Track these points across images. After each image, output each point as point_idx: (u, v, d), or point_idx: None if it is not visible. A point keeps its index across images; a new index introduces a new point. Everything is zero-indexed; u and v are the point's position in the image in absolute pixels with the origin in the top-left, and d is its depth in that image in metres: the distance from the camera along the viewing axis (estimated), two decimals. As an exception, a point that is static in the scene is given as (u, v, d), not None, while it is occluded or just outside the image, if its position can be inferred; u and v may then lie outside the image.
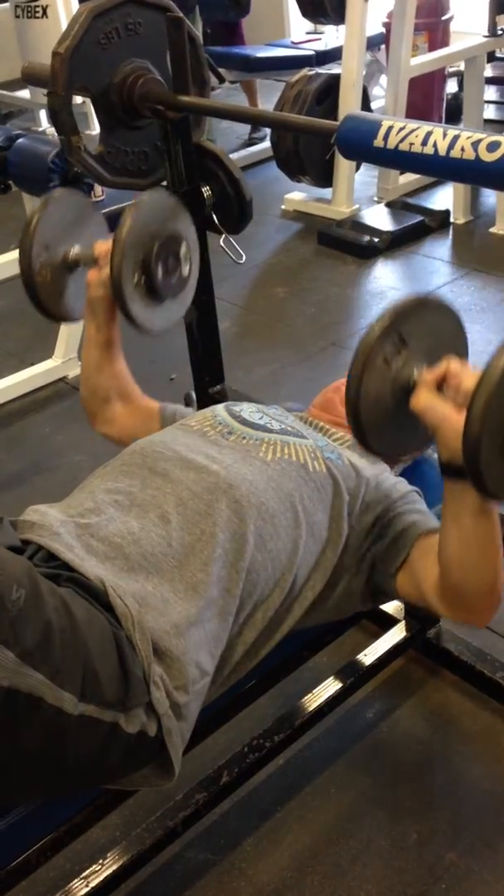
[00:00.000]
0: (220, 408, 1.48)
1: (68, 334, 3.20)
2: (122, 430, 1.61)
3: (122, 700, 1.07)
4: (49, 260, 1.53)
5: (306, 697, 1.71)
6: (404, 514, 1.38)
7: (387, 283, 3.76)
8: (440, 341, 1.18)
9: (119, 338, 1.61)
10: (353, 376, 1.13)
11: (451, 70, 4.89)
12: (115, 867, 1.45)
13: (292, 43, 5.43)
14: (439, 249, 3.96)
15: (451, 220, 4.14)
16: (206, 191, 1.82)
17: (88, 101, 1.65)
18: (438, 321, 1.19)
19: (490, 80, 5.12)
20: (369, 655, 1.82)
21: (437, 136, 1.33)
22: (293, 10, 5.80)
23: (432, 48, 4.51)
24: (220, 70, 4.88)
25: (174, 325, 1.63)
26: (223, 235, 1.94)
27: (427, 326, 1.17)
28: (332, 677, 1.76)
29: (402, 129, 1.38)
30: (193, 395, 2.10)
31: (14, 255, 2.95)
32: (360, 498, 1.38)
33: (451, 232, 4.11)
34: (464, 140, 1.31)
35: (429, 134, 1.34)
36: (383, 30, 4.75)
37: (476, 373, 1.04)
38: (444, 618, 1.28)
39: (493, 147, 1.27)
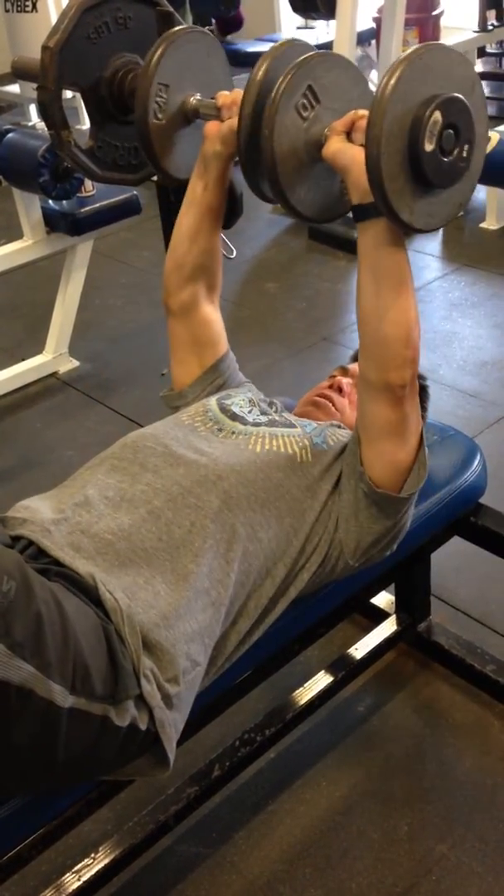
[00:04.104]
0: (212, 402, 1.48)
1: (59, 329, 3.19)
2: (186, 329, 1.53)
3: (111, 693, 1.08)
4: (167, 102, 1.40)
5: (297, 691, 1.72)
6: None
7: (377, 279, 3.76)
8: (350, 101, 1.24)
9: (223, 209, 1.49)
10: (266, 122, 1.18)
11: (441, 65, 4.89)
12: (106, 861, 1.45)
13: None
14: (429, 245, 3.96)
15: (442, 215, 4.15)
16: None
17: (78, 95, 1.65)
18: (346, 80, 1.25)
19: (480, 76, 5.11)
20: (360, 649, 1.82)
21: (426, 131, 1.34)
22: (284, 5, 5.80)
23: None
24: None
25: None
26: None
27: (336, 84, 1.23)
28: (323, 671, 1.77)
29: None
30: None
31: (5, 249, 2.94)
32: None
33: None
34: (454, 134, 1.31)
35: (419, 128, 1.34)
36: (374, 24, 4.75)
37: None
38: (370, 384, 1.30)
39: (482, 142, 1.28)
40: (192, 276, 1.51)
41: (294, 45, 1.32)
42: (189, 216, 1.49)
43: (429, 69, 1.10)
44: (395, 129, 1.09)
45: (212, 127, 1.40)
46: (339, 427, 1.49)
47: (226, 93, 1.40)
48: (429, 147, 1.10)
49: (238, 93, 1.35)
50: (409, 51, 1.11)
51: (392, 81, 1.08)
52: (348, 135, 1.20)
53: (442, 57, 1.13)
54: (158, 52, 1.39)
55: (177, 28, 1.43)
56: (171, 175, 1.48)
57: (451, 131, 1.12)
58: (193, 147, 1.45)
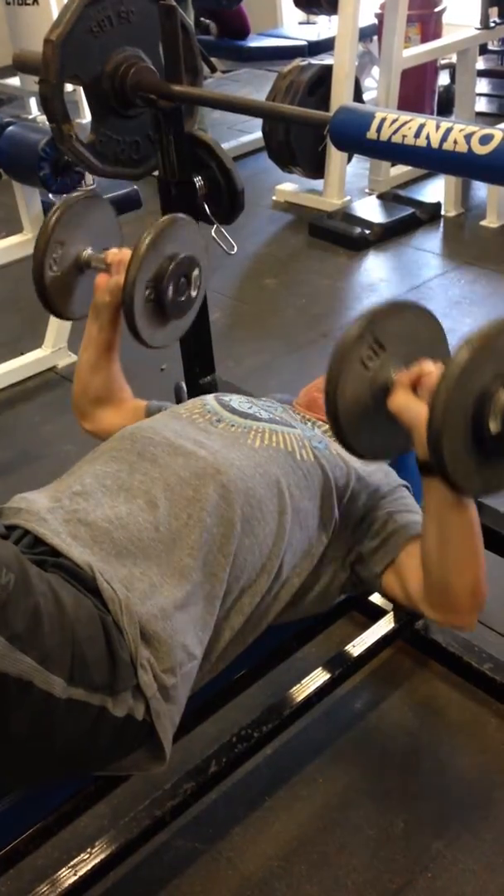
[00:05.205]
0: (209, 397, 1.49)
1: (58, 324, 3.18)
2: (110, 430, 1.58)
3: (109, 683, 1.08)
4: (62, 256, 1.56)
5: (295, 688, 1.72)
6: (395, 515, 1.39)
7: (377, 276, 3.76)
8: (419, 345, 1.21)
9: (119, 343, 1.62)
10: (330, 379, 1.16)
11: (442, 62, 4.88)
12: (103, 856, 1.45)
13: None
14: (430, 242, 3.96)
15: (442, 212, 4.14)
16: (197, 181, 1.82)
17: (80, 89, 1.65)
18: (417, 325, 1.22)
19: (482, 73, 5.11)
20: (358, 646, 1.82)
21: (429, 129, 1.33)
22: (286, 0, 5.79)
23: (425, 40, 4.50)
24: (212, 59, 4.87)
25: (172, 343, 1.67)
26: (214, 226, 1.94)
27: (405, 330, 1.20)
28: (320, 668, 1.77)
29: (395, 121, 1.38)
30: (184, 385, 2.10)
31: (5, 243, 2.94)
32: (349, 488, 1.39)
33: (441, 224, 4.11)
34: (456, 133, 1.31)
35: (422, 126, 1.34)
36: (376, 21, 4.74)
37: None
38: (429, 620, 1.31)
39: (485, 140, 1.27)
40: (97, 400, 1.64)
41: (177, 221, 1.52)
42: (88, 352, 1.62)
43: (493, 352, 1.07)
44: (459, 413, 1.06)
45: (101, 280, 1.55)
46: None
47: (114, 251, 1.56)
48: (494, 428, 1.07)
49: (125, 252, 1.51)
50: (471, 337, 1.07)
51: (455, 372, 1.04)
52: (415, 387, 1.17)
53: None
54: (55, 216, 1.54)
55: (72, 195, 1.61)
56: (67, 316, 1.66)
57: None
58: (88, 291, 1.59)
